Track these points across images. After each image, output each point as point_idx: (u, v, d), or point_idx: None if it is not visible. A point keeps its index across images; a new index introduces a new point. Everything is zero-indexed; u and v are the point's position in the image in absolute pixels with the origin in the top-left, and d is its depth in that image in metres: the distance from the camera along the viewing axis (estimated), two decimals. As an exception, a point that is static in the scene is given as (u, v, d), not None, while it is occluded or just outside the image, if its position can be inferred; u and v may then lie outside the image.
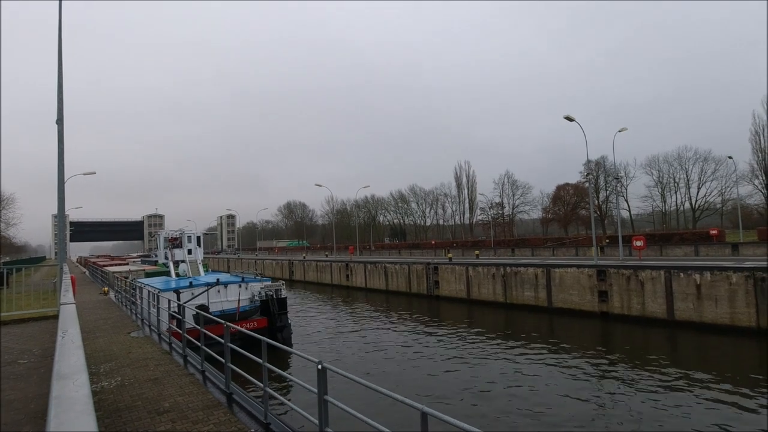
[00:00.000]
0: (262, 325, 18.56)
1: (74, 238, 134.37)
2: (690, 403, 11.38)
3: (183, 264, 22.95)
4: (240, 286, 19.61)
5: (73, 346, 2.56)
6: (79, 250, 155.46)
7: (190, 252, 23.56)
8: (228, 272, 31.71)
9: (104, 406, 5.84)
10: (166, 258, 23.97)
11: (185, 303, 16.43)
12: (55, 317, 9.52)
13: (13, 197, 44.11)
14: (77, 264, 73.91)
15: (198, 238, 24.40)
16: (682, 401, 11.48)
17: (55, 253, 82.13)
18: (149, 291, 14.50)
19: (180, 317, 8.99)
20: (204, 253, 25.76)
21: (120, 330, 11.76)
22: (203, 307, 17.09)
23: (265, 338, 5.54)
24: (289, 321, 20.30)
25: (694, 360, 15.41)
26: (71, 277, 10.85)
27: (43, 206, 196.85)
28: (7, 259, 59.58)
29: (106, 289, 24.19)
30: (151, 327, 12.02)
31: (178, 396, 6.28)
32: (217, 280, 19.26)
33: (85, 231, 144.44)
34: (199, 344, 7.56)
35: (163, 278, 22.77)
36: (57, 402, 1.53)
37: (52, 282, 16.99)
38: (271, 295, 19.68)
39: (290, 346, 18.27)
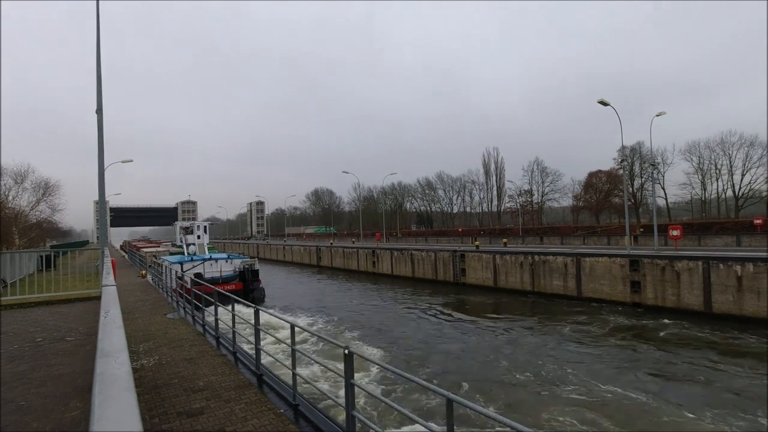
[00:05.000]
0: (239, 287, 26.30)
1: (114, 224, 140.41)
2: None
3: (192, 246, 32.06)
4: (226, 261, 28.29)
5: (114, 325, 2.70)
6: (119, 234, 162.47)
7: (199, 237, 32.93)
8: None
9: (144, 383, 6.17)
10: (181, 242, 32.94)
11: (186, 271, 24.40)
12: (98, 298, 10.05)
13: (59, 184, 46.61)
14: (117, 248, 77.37)
15: (205, 227, 33.69)
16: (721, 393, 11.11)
17: (97, 237, 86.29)
18: (166, 263, 19.42)
19: (181, 278, 14.02)
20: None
21: (157, 311, 12.31)
22: (198, 274, 24.68)
23: (292, 320, 5.69)
24: (261, 286, 28.51)
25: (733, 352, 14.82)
26: (112, 261, 11.40)
27: (86, 192, 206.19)
28: (54, 242, 63.02)
29: (144, 272, 25.28)
30: (185, 309, 12.52)
31: (212, 375, 6.55)
32: (210, 256, 28.68)
33: (124, 216, 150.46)
34: (220, 323, 7.89)
35: (178, 256, 30.58)
36: (101, 378, 1.62)
37: (95, 265, 17.90)
38: (248, 268, 28.02)
39: (261, 304, 25.07)
